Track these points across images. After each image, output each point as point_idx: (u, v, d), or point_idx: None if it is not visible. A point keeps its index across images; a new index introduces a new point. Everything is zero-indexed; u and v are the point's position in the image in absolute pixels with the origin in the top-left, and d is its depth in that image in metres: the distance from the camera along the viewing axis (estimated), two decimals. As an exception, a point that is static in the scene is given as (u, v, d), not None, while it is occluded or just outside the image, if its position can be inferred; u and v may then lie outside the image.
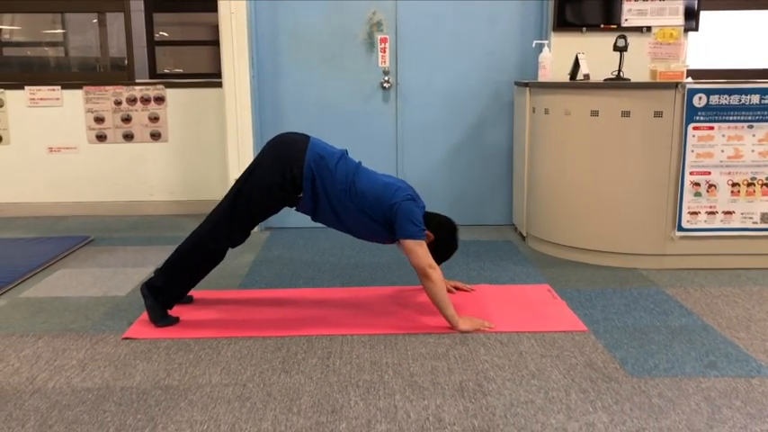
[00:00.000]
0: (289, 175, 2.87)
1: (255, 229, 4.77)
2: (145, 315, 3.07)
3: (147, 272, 3.77)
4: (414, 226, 2.87)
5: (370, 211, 2.92)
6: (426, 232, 2.95)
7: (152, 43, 5.92)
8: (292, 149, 2.92)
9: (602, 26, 4.50)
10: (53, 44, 6.09)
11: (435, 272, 2.83)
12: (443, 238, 3.04)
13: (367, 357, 2.64)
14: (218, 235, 2.96)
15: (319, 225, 4.77)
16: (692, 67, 4.25)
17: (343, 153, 3.02)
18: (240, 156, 4.64)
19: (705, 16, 4.53)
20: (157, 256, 4.08)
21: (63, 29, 5.98)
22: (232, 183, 4.64)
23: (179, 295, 3.05)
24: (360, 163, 3.06)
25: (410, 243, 2.86)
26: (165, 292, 2.98)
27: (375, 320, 3.01)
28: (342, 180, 2.90)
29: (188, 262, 3.00)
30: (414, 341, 2.79)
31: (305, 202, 2.95)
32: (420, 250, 2.85)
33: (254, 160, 3.04)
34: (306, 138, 3.00)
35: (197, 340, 2.80)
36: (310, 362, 2.60)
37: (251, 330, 2.89)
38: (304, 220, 4.90)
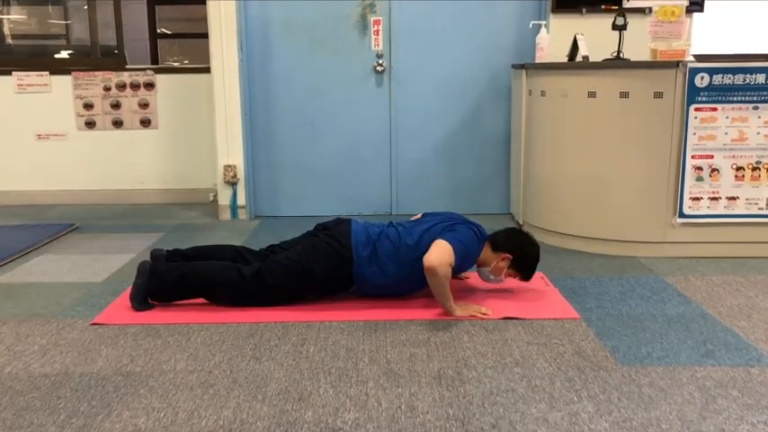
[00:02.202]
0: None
1: (244, 216, 4.67)
2: (117, 301, 2.96)
3: (127, 258, 3.66)
4: (458, 243, 2.71)
5: None
6: (501, 255, 2.86)
7: (154, 36, 5.83)
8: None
9: (602, 7, 4.34)
10: (44, 30, 6.00)
11: (442, 268, 2.64)
12: (519, 251, 2.89)
13: (343, 344, 2.50)
14: (252, 295, 2.82)
15: (310, 214, 4.68)
16: (698, 51, 4.08)
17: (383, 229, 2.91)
18: (229, 141, 4.52)
19: (711, -3, 4.36)
20: (141, 243, 3.97)
21: (54, 14, 5.89)
22: (221, 169, 4.56)
23: (170, 299, 2.88)
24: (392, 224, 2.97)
25: (440, 241, 2.70)
26: (164, 290, 2.83)
27: (355, 307, 2.86)
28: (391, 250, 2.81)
29: (206, 288, 2.83)
30: (394, 328, 2.65)
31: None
32: (444, 249, 2.67)
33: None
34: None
35: (167, 326, 2.68)
36: (283, 348, 2.47)
37: (224, 316, 2.76)
38: (295, 208, 4.80)
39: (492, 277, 2.93)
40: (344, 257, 2.78)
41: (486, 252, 2.90)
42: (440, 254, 2.66)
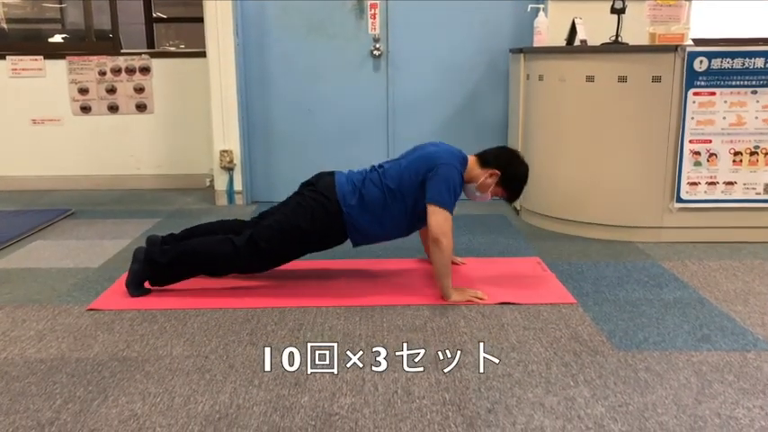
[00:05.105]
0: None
1: (241, 202, 4.66)
2: (114, 287, 2.95)
3: (123, 244, 3.64)
4: (446, 193, 2.70)
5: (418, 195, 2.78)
6: (490, 171, 2.83)
7: (150, 20, 5.77)
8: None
9: (601, -9, 4.30)
10: (38, 13, 5.96)
11: (446, 240, 2.66)
12: (508, 168, 2.86)
13: (340, 329, 2.50)
14: (248, 263, 2.83)
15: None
16: (697, 35, 4.05)
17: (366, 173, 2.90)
18: (225, 126, 4.50)
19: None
20: (137, 229, 3.95)
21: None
22: (218, 155, 4.54)
23: (169, 282, 2.87)
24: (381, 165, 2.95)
25: (434, 207, 2.69)
26: (161, 273, 2.82)
27: (353, 293, 2.86)
28: (377, 194, 2.79)
29: (201, 264, 2.83)
30: (391, 313, 2.64)
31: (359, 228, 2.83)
32: (440, 216, 2.67)
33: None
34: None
35: (164, 311, 2.67)
36: (279, 333, 2.46)
37: (221, 302, 2.75)
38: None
39: (478, 194, 2.90)
40: (332, 211, 2.77)
41: (475, 168, 2.87)
42: (439, 225, 2.66)
